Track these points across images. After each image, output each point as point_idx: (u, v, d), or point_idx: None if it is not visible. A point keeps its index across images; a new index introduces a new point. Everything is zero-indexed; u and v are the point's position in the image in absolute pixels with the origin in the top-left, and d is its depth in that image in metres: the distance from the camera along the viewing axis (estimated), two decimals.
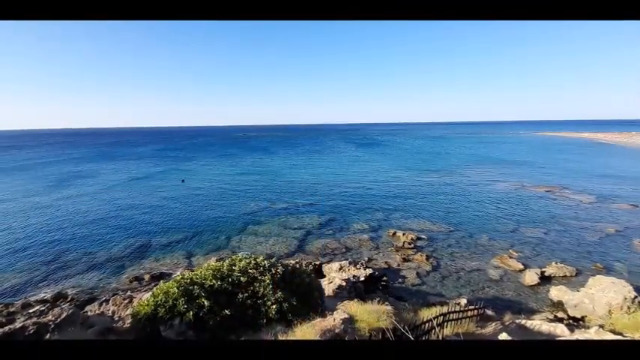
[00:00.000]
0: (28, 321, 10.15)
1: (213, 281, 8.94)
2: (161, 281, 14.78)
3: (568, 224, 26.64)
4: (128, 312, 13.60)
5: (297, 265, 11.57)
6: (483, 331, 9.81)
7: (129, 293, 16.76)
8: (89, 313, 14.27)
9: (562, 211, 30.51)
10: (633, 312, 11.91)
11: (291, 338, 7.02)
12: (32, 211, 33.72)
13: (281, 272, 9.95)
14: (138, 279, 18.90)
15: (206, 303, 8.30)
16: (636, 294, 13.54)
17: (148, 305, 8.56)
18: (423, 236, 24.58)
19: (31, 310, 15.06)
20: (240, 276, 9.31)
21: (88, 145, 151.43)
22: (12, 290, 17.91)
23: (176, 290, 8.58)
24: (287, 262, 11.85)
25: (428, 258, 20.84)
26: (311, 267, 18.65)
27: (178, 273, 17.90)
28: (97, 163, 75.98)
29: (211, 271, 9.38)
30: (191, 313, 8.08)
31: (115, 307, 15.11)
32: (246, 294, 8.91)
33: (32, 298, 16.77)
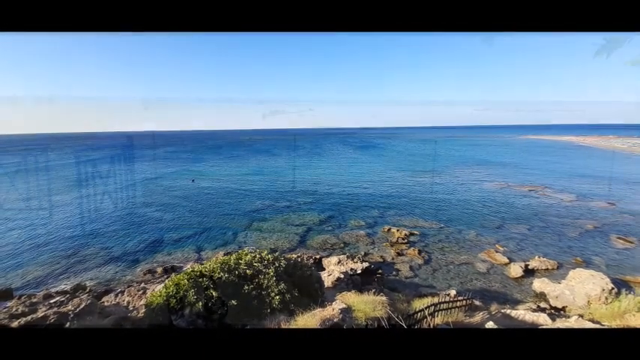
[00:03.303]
0: (50, 310, 10.16)
1: (221, 274, 8.92)
2: (173, 274, 14.82)
3: (550, 221, 26.63)
4: (142, 302, 13.61)
5: (299, 259, 11.56)
6: (471, 320, 9.79)
7: (143, 285, 16.76)
8: (106, 304, 14.29)
9: (544, 208, 30.50)
10: (610, 302, 11.90)
11: (293, 327, 7.01)
12: (53, 208, 33.72)
13: (284, 265, 9.94)
14: (151, 272, 18.90)
15: (214, 294, 8.30)
16: (613, 286, 13.54)
17: (160, 296, 8.55)
18: (415, 232, 24.55)
19: (52, 301, 15.05)
20: (246, 269, 9.30)
21: (104, 147, 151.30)
22: (34, 282, 17.92)
23: (186, 282, 8.57)
24: (289, 256, 11.86)
25: (420, 252, 20.83)
26: (311, 260, 18.65)
27: (189, 266, 17.90)
28: (113, 165, 75.96)
29: (219, 265, 9.36)
30: (200, 303, 8.07)
31: (130, 298, 15.11)
32: (252, 285, 8.90)
33: (53, 290, 16.78)
